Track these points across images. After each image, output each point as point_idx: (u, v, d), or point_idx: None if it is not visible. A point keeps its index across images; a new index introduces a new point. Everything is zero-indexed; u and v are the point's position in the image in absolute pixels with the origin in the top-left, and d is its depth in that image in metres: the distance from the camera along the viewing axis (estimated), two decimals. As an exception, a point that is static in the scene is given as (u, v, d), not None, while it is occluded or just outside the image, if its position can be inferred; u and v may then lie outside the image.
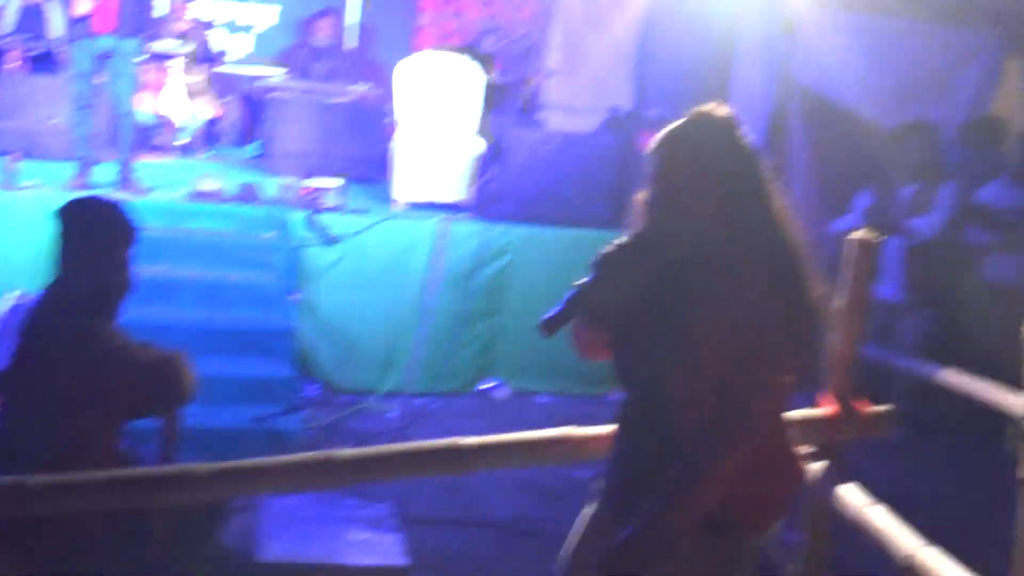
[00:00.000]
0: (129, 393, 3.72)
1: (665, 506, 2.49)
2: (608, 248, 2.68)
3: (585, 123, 9.39)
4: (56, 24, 9.47)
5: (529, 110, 10.54)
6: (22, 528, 3.33)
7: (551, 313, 2.65)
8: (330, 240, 7.07)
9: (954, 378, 4.49)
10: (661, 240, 2.67)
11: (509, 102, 9.66)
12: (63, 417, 3.55)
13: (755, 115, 8.16)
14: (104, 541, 3.59)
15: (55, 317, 3.65)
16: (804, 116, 8.22)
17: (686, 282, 2.59)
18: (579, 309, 2.67)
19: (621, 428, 2.82)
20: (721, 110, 2.71)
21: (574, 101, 10.21)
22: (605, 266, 2.66)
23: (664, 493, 2.49)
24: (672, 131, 2.71)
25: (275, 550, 4.09)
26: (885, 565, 3.21)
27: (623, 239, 2.69)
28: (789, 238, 2.66)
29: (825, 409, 3.56)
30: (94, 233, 3.74)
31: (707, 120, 2.69)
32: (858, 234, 3.57)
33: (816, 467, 3.51)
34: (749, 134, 2.70)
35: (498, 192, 7.54)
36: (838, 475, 3.49)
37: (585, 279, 2.66)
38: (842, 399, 3.56)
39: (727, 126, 2.68)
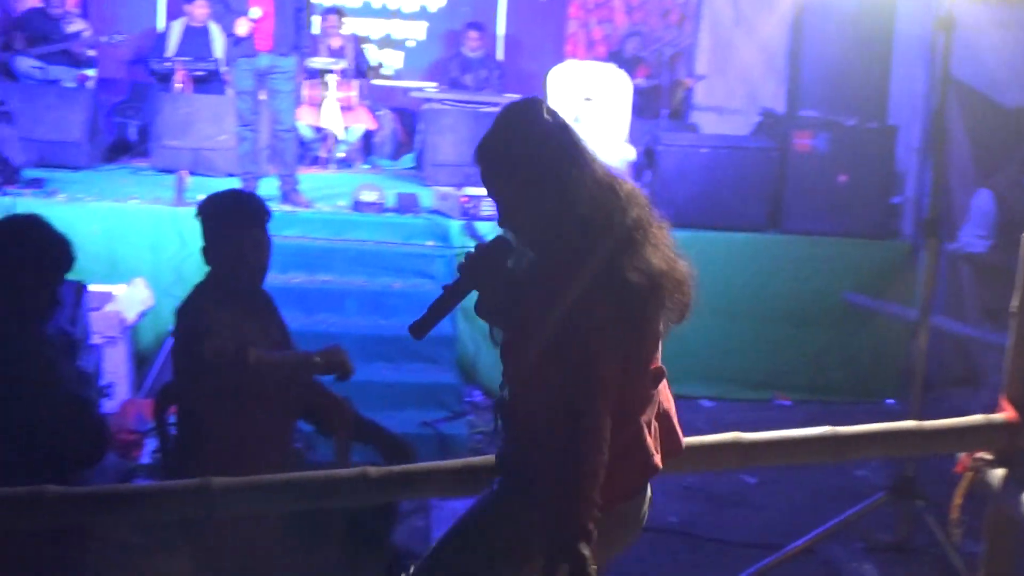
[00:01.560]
0: (304, 390, 3.80)
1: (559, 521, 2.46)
2: (470, 251, 2.70)
3: (737, 126, 9.32)
4: (218, 44, 9.82)
5: (679, 115, 10.52)
6: (204, 528, 3.40)
7: (418, 318, 2.74)
8: (488, 248, 7.14)
9: None
10: (513, 239, 2.67)
11: (659, 107, 9.65)
12: (243, 415, 3.59)
13: (915, 113, 8.00)
14: (283, 542, 3.66)
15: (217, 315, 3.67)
16: (964, 115, 8.01)
17: (526, 281, 2.61)
18: (442, 312, 2.72)
19: (504, 417, 2.84)
20: (526, 101, 2.67)
21: (726, 104, 10.15)
22: (467, 268, 2.67)
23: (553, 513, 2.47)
24: (485, 137, 2.66)
25: (448, 552, 4.13)
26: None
27: (484, 242, 2.72)
28: (617, 214, 2.56)
29: (1004, 414, 3.48)
30: (233, 220, 3.79)
31: (509, 116, 2.64)
32: (1032, 232, 3.48)
33: (996, 474, 3.44)
34: (556, 117, 2.61)
35: (652, 197, 7.50)
36: (1019, 482, 3.40)
37: (451, 282, 2.71)
38: (1021, 404, 3.47)
39: (528, 115, 2.61)
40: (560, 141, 2.58)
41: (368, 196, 7.75)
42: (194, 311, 3.70)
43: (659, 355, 2.67)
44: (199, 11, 10.02)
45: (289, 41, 7.73)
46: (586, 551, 2.41)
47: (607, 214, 2.54)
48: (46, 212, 6.12)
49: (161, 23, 11.25)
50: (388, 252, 7.26)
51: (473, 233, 7.19)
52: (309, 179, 8.67)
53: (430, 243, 7.38)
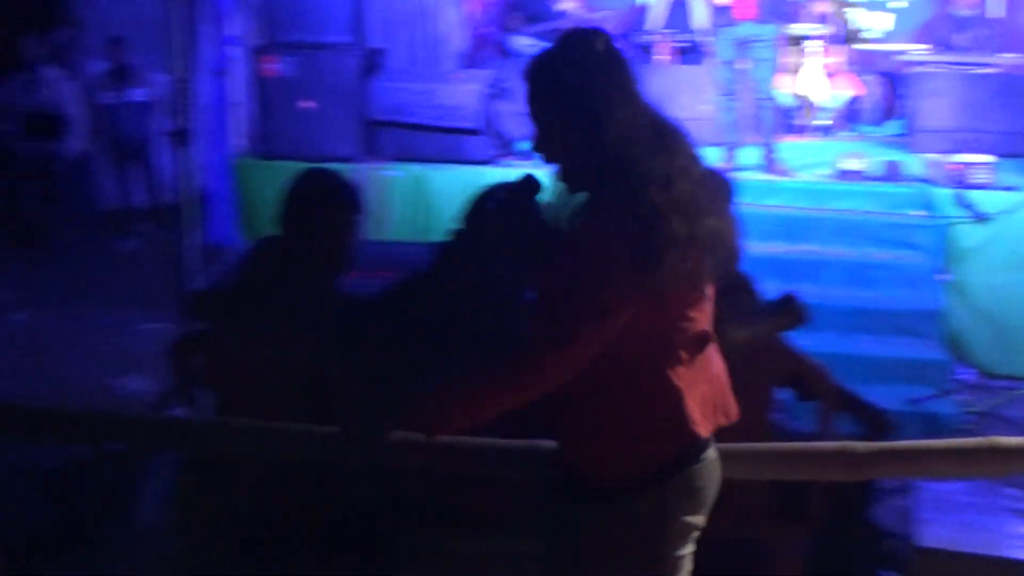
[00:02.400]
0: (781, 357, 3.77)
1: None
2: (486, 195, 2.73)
3: None
4: (700, 15, 9.88)
5: None
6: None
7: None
8: (981, 218, 6.76)
9: None
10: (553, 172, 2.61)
11: None
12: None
13: None
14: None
15: None
16: None
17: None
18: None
19: None
20: (588, 29, 2.58)
21: None
22: (491, 215, 2.76)
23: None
24: (537, 55, 2.60)
25: (933, 536, 3.96)
26: None
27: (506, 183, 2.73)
28: (657, 158, 2.46)
29: None
30: None
31: (566, 40, 2.58)
32: None
33: None
34: (615, 52, 2.52)
35: None
36: None
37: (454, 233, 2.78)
38: None
39: (587, 43, 2.53)
40: (611, 75, 2.51)
41: (851, 164, 7.53)
42: None
43: (705, 318, 2.55)
44: (678, -18, 10.13)
45: (770, 8, 7.65)
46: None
47: (644, 155, 2.46)
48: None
49: (644, -3, 11.47)
50: (871, 222, 7.05)
51: (964, 203, 6.81)
52: (789, 147, 8.55)
53: (916, 213, 7.07)
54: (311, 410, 3.15)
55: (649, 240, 2.38)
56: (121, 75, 9.83)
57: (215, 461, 3.39)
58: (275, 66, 7.73)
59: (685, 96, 8.91)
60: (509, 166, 7.70)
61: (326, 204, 3.50)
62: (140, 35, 9.56)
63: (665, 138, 2.54)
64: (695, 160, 2.57)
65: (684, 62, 9.77)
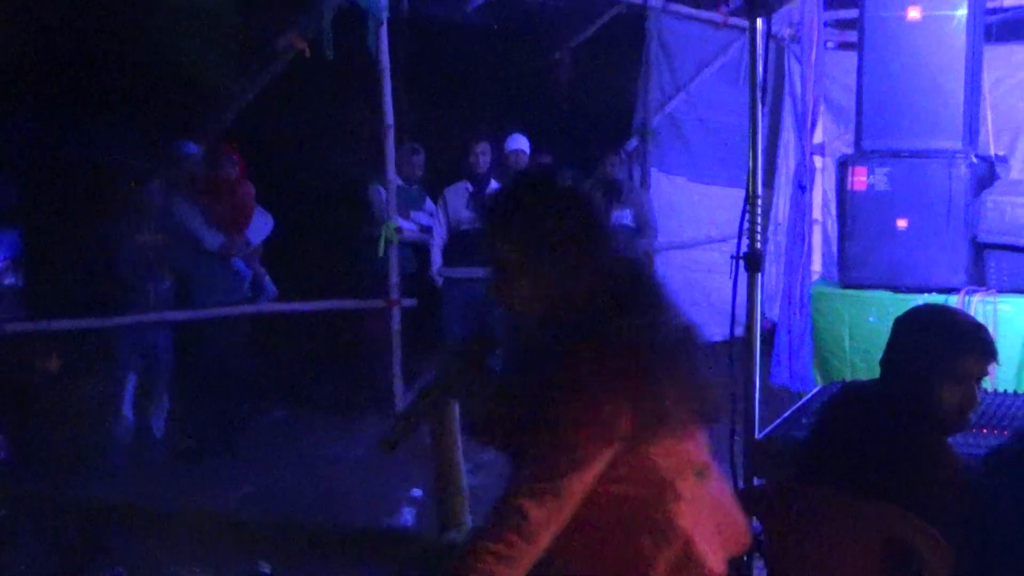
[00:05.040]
0: None
1: None
2: (450, 349, 2.64)
3: None
4: None
5: None
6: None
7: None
8: None
9: None
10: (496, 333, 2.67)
11: None
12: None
13: None
14: None
15: None
16: None
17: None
18: (413, 421, 2.60)
19: None
20: (543, 169, 2.68)
21: None
22: (443, 370, 2.64)
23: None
24: (495, 196, 2.56)
25: None
26: None
27: (462, 338, 2.72)
28: (628, 307, 2.38)
29: None
30: None
31: (524, 181, 2.58)
32: None
33: None
34: (577, 191, 2.46)
35: None
36: None
37: (425, 384, 2.67)
38: None
39: (546, 184, 2.49)
40: (575, 217, 2.42)
41: None
42: None
43: (700, 448, 2.48)
44: None
45: None
46: None
47: (616, 303, 2.37)
48: None
49: None
50: None
51: None
52: None
53: None
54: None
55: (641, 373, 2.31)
56: (611, 192, 8.87)
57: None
58: (864, 179, 6.61)
59: None
60: None
61: (960, 350, 3.16)
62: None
63: (642, 283, 2.46)
64: (671, 304, 2.47)
65: None
